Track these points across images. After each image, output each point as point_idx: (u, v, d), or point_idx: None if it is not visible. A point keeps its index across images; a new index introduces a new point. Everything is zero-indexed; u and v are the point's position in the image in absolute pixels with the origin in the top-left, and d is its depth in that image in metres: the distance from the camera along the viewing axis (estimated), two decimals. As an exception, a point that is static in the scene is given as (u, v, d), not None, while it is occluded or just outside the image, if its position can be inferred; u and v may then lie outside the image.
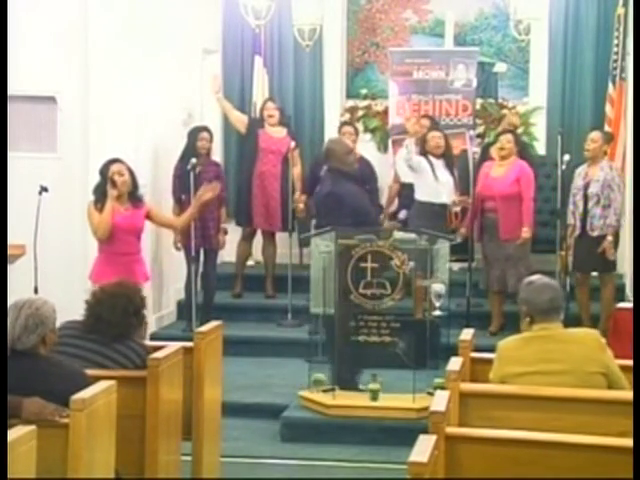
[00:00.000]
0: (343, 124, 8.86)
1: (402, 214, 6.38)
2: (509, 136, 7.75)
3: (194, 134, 7.91)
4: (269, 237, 8.63)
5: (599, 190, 7.51)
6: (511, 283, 7.42)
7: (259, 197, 8.44)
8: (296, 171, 8.48)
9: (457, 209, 7.95)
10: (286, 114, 8.77)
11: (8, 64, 6.82)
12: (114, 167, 6.34)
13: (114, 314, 4.36)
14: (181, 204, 7.78)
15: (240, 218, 8.51)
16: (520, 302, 4.33)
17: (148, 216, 6.57)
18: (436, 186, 7.63)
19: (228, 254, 8.82)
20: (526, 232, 7.51)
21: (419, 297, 7.41)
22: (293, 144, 8.40)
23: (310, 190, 8.23)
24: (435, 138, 7.75)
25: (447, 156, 7.79)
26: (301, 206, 8.40)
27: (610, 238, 7.48)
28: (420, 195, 7.72)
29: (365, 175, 8.43)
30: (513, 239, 7.52)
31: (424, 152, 7.75)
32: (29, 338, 3.74)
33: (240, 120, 8.64)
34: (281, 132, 8.53)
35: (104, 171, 6.34)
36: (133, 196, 6.41)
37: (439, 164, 7.72)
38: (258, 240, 8.75)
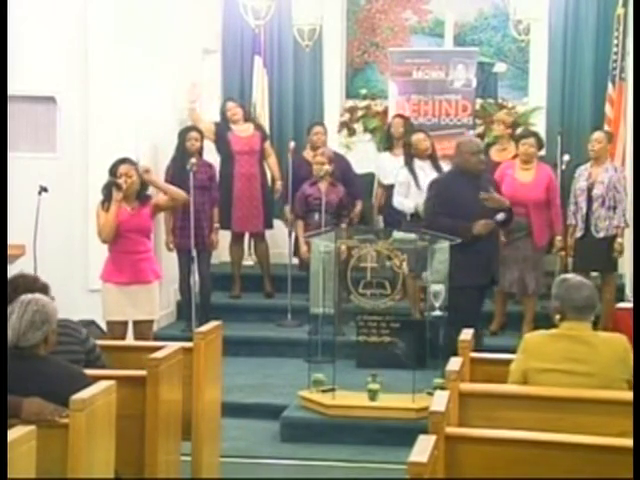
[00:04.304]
0: (315, 124, 8.72)
1: (500, 216, 6.32)
2: (532, 140, 7.64)
3: (183, 134, 7.89)
4: (259, 236, 8.64)
5: (604, 192, 7.49)
6: (531, 285, 7.45)
7: (242, 199, 8.42)
8: (271, 161, 8.53)
9: None
10: (248, 110, 8.70)
11: (8, 64, 6.81)
12: (122, 168, 6.27)
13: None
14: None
15: (223, 222, 8.30)
16: (554, 298, 4.32)
17: (157, 207, 6.48)
18: (418, 195, 7.50)
19: (227, 254, 8.82)
20: (560, 241, 7.55)
21: (414, 297, 7.43)
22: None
23: (293, 190, 8.12)
24: (422, 141, 7.65)
25: (433, 157, 7.72)
26: (287, 214, 8.26)
27: (620, 240, 7.49)
28: (397, 204, 7.66)
29: (343, 170, 8.33)
30: (545, 245, 7.52)
31: (410, 156, 7.68)
32: (34, 335, 3.74)
33: (208, 129, 8.43)
34: (248, 130, 8.49)
35: (112, 171, 6.30)
36: (141, 195, 6.39)
37: (426, 167, 7.63)
38: (251, 240, 8.78)
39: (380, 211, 8.59)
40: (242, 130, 8.48)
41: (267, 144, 8.57)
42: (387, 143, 8.54)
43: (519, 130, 8.42)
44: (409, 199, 7.56)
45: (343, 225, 7.68)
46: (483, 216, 6.45)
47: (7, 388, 3.42)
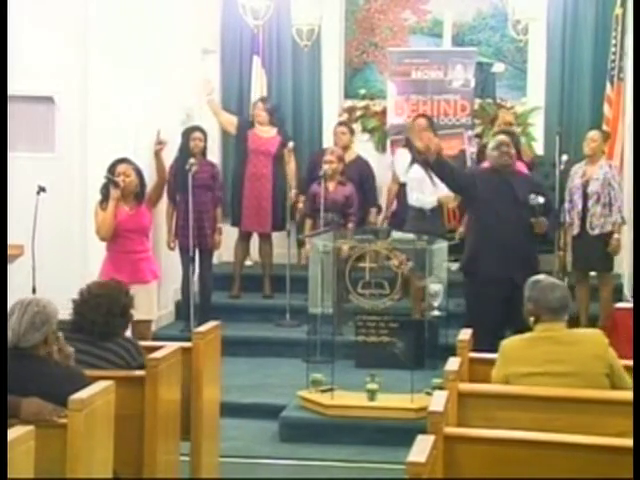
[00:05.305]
0: (338, 124, 8.88)
1: (533, 198, 6.20)
2: (503, 137, 7.68)
3: (187, 134, 7.93)
4: (265, 237, 8.65)
5: (599, 189, 7.51)
6: None
7: (250, 199, 8.48)
8: (290, 169, 8.51)
9: (453, 206, 7.95)
10: (277, 116, 8.71)
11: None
12: (120, 167, 6.32)
13: (97, 315, 4.37)
14: (175, 204, 7.81)
15: (233, 219, 8.57)
16: (527, 301, 4.32)
17: (149, 200, 6.49)
18: (432, 191, 7.56)
19: (227, 254, 8.83)
20: None
21: (417, 297, 7.43)
22: (291, 144, 8.44)
23: (306, 190, 8.25)
24: (432, 139, 7.69)
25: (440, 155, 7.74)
26: (300, 205, 8.43)
27: (617, 236, 7.49)
28: (415, 201, 7.68)
29: (363, 175, 8.50)
30: None
31: (419, 154, 7.68)
32: (34, 336, 3.75)
33: (229, 122, 8.70)
34: (270, 132, 8.53)
35: (110, 171, 6.33)
36: (140, 196, 6.40)
37: None
38: (256, 240, 8.77)
39: (393, 207, 8.61)
40: (264, 131, 8.53)
41: (287, 150, 8.49)
42: (405, 141, 8.48)
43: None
44: (426, 194, 7.56)
45: (350, 225, 7.74)
46: (513, 215, 6.35)
47: (7, 388, 3.42)
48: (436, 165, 6.37)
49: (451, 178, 6.54)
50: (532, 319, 4.29)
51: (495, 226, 6.31)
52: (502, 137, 6.78)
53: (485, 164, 7.80)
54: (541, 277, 4.41)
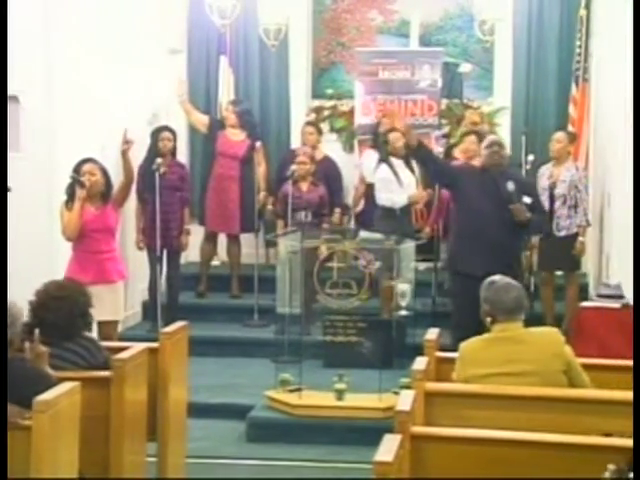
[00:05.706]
0: (306, 124, 8.90)
1: (510, 185, 6.21)
2: (473, 137, 7.76)
3: (156, 134, 7.92)
4: (232, 238, 8.64)
5: (566, 191, 7.58)
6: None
7: (215, 199, 8.49)
8: (260, 171, 8.51)
9: (420, 206, 7.99)
10: (247, 119, 8.64)
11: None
12: (86, 167, 6.30)
13: (58, 317, 4.32)
14: (144, 203, 7.79)
15: (200, 219, 8.62)
16: (483, 302, 4.34)
17: (115, 201, 6.44)
18: (400, 191, 7.60)
19: (195, 254, 8.80)
20: None
21: (385, 297, 7.46)
22: (259, 144, 8.44)
23: (277, 191, 8.27)
24: (399, 140, 7.71)
25: (406, 155, 7.77)
26: (269, 207, 8.43)
27: (582, 239, 7.56)
28: (385, 201, 7.70)
29: (330, 175, 8.54)
30: None
31: (387, 154, 7.71)
32: (-2, 338, 3.72)
33: (201, 122, 8.71)
34: (240, 135, 8.52)
35: (76, 170, 6.30)
36: (106, 196, 6.37)
37: (401, 165, 7.70)
38: (224, 240, 8.76)
39: (360, 206, 8.63)
40: (234, 134, 8.52)
41: (258, 154, 8.48)
42: (372, 142, 8.50)
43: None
44: (395, 194, 7.57)
45: (325, 225, 7.77)
46: (499, 213, 6.36)
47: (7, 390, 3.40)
48: (418, 149, 6.39)
49: (433, 164, 6.62)
50: (489, 320, 4.31)
51: (480, 224, 6.34)
52: (494, 137, 6.86)
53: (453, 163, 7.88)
54: (496, 278, 4.41)
